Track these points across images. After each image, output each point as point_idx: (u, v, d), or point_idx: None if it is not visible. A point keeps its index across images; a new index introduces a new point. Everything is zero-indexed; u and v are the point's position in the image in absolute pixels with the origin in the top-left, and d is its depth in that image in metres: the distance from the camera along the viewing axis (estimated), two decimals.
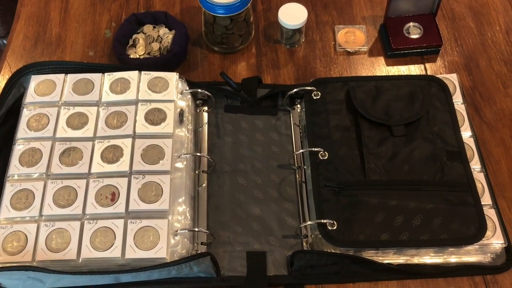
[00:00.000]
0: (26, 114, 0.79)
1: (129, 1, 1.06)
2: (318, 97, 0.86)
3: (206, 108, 0.89)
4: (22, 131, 0.78)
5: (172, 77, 0.84)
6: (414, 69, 0.97)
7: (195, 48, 1.00)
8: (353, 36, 1.01)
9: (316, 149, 0.80)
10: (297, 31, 0.97)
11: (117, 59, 0.95)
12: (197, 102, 0.89)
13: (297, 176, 0.83)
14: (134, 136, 0.77)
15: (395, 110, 0.83)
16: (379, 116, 0.83)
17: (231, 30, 0.95)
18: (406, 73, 0.97)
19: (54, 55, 0.99)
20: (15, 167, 0.75)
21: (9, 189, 0.73)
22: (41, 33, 1.02)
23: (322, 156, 0.80)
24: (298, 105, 0.90)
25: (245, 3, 0.90)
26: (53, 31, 1.02)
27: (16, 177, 0.75)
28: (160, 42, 0.97)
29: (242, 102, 0.90)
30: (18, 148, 0.76)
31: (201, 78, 0.96)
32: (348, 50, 0.99)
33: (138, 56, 0.95)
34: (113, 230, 0.70)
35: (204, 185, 0.82)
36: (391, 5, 0.97)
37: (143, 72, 0.84)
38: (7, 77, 0.95)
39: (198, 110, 0.88)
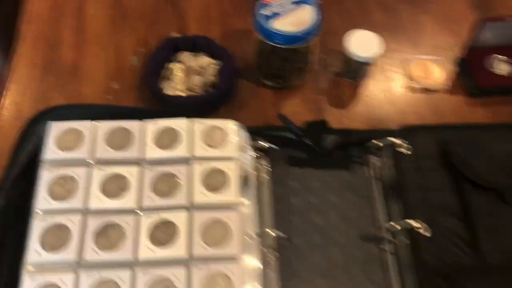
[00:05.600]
0: (46, 176, 0.61)
1: (158, 21, 0.88)
2: (410, 152, 0.70)
3: (266, 162, 0.72)
4: (43, 200, 0.59)
5: (231, 127, 0.67)
6: (507, 113, 0.82)
7: (242, 80, 0.83)
8: (428, 70, 0.86)
9: (414, 224, 0.64)
10: (366, 63, 0.81)
11: (152, 96, 0.77)
12: (256, 154, 0.72)
13: (386, 250, 0.67)
14: (191, 207, 0.60)
15: (507, 170, 0.68)
16: (486, 178, 0.67)
17: (291, 62, 0.78)
18: (496, 117, 0.81)
19: (69, 87, 0.80)
20: (36, 253, 0.56)
21: (28, 284, 0.55)
22: (53, 59, 0.83)
23: (420, 230, 0.64)
24: (375, 156, 0.74)
25: (314, 31, 0.74)
26: (67, 56, 0.84)
27: (37, 267, 0.56)
28: (203, 75, 0.80)
29: (309, 152, 0.74)
30: (39, 225, 0.58)
31: (251, 119, 0.79)
32: (424, 86, 0.84)
33: (176, 93, 0.77)
34: None
35: (273, 263, 0.64)
36: (478, 34, 0.82)
37: (195, 120, 0.66)
38: (7, 115, 0.76)
39: (257, 165, 0.71)
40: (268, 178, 0.71)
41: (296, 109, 0.81)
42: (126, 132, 0.65)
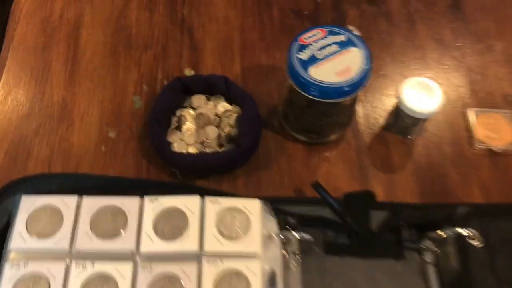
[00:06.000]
0: (10, 274, 0.46)
1: (167, 52, 0.73)
2: (481, 245, 0.55)
3: (296, 248, 0.56)
4: None
5: (256, 209, 0.51)
6: None
7: (265, 131, 0.68)
8: (495, 126, 0.70)
9: None
10: (422, 119, 0.65)
11: (155, 151, 0.62)
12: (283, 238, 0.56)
13: None
14: None
15: None
16: None
17: (331, 117, 0.62)
18: None
19: (55, 134, 0.66)
20: None
21: None
22: (37, 96, 0.69)
23: None
24: (433, 240, 0.58)
25: (362, 81, 0.58)
26: (55, 94, 0.69)
27: None
28: (218, 125, 0.64)
29: (350, 235, 0.58)
30: None
31: (277, 182, 0.64)
32: (491, 148, 0.68)
33: (187, 149, 0.62)
34: None
35: None
36: None
37: (208, 200, 0.51)
38: None
39: (284, 252, 0.56)
40: (298, 269, 0.55)
41: (333, 172, 0.65)
42: (118, 213, 0.49)
